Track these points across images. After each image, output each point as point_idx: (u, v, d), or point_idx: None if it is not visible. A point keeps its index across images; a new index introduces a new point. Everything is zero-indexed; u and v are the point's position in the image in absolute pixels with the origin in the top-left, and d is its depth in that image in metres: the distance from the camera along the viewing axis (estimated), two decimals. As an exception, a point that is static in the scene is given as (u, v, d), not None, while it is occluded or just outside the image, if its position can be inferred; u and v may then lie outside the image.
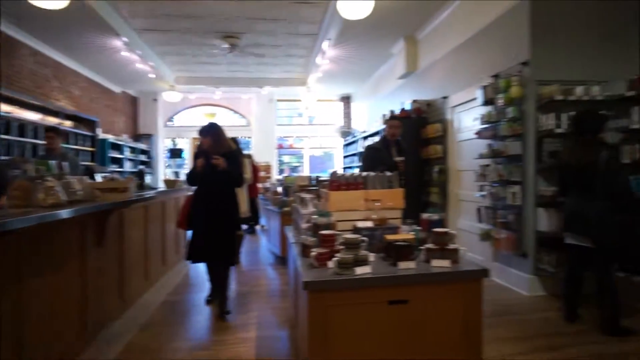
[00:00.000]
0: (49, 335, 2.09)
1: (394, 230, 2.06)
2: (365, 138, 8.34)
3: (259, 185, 8.34)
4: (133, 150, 9.74)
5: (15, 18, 5.30)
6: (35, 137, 5.74)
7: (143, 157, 10.29)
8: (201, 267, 3.57)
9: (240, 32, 6.49)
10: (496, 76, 4.01)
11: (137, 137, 10.57)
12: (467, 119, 4.84)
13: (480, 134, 4.22)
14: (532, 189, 3.69)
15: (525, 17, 3.74)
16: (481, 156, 4.17)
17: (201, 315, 3.39)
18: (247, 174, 4.73)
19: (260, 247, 6.68)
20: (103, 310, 2.70)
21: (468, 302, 1.76)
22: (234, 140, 4.19)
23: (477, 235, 4.37)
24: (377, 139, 7.31)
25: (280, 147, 11.72)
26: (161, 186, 5.38)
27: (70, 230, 2.32)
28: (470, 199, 4.72)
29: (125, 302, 3.06)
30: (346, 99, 11.51)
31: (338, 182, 2.27)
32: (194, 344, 2.82)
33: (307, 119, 11.88)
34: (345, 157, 10.44)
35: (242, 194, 4.12)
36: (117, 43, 6.39)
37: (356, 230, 2.04)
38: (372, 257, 1.85)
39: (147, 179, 5.38)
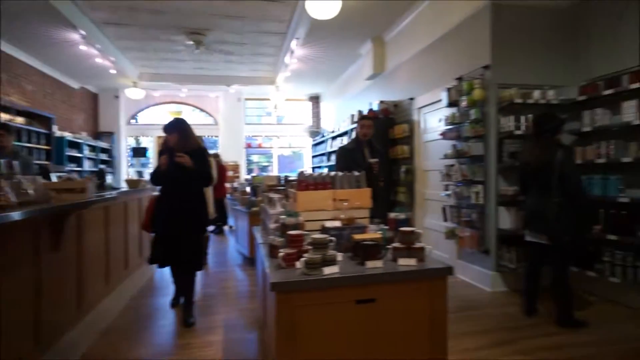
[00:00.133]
0: (-2, 347, 1.95)
1: (362, 229, 2.07)
2: (334, 138, 8.39)
3: (227, 185, 8.22)
4: (93, 148, 9.32)
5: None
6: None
7: (104, 156, 9.87)
8: (167, 270, 3.43)
9: (206, 29, 6.34)
10: (460, 79, 4.14)
11: (97, 135, 10.12)
12: (433, 120, 4.96)
13: (445, 135, 4.33)
14: (494, 189, 3.84)
15: (486, 23, 3.88)
16: (446, 156, 4.29)
17: (166, 319, 3.28)
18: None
19: (228, 248, 6.56)
20: (59, 317, 2.55)
21: (433, 299, 1.80)
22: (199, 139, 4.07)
23: (442, 233, 4.49)
24: (345, 139, 7.38)
25: (248, 146, 11.57)
26: (123, 186, 5.17)
27: (21, 234, 2.18)
28: (436, 198, 4.84)
29: (84, 308, 2.91)
30: (315, 99, 11.52)
31: (306, 182, 2.26)
32: (156, 350, 2.72)
33: (276, 118, 11.79)
34: (314, 156, 10.46)
35: (208, 194, 4.00)
36: (75, 36, 6.09)
37: (324, 230, 2.04)
38: (340, 256, 1.85)
39: (108, 179, 5.15)
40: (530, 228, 3.14)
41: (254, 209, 4.89)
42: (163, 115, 10.80)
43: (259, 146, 11.77)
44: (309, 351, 1.64)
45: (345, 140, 7.44)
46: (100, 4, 5.31)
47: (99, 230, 3.25)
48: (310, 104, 11.61)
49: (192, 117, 11.04)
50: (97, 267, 3.20)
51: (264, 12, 5.67)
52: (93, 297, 3.04)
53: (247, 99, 11.45)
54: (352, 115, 6.96)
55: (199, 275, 3.41)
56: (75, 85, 9.13)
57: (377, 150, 3.90)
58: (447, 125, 4.32)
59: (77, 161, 8.45)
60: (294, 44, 6.53)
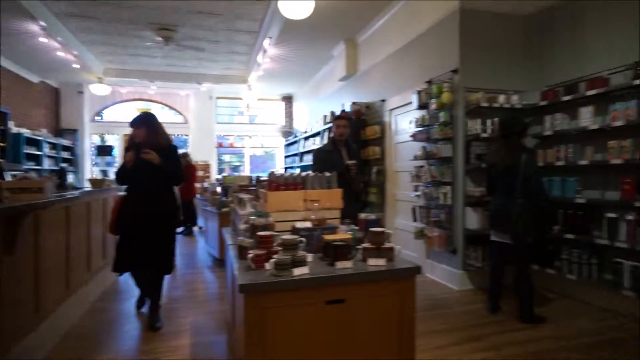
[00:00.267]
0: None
1: (333, 230, 2.07)
2: (306, 138, 8.39)
3: (197, 185, 8.05)
4: (54, 146, 8.88)
5: None
6: None
7: (66, 155, 9.43)
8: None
9: (176, 25, 6.19)
10: (430, 82, 4.23)
11: (59, 133, 9.66)
12: (404, 122, 5.05)
13: (415, 137, 4.41)
14: (461, 190, 3.94)
15: (455, 28, 3.98)
16: (416, 158, 4.37)
17: (130, 323, 3.17)
18: None
19: (197, 249, 6.43)
20: (15, 323, 2.41)
21: (402, 299, 1.82)
22: None
23: (412, 233, 4.57)
24: (318, 139, 7.40)
25: (220, 146, 11.38)
26: (87, 186, 4.97)
27: (-29, 236, 2.04)
28: (406, 199, 4.92)
29: (42, 313, 2.77)
30: (288, 99, 11.48)
31: (277, 182, 2.24)
32: (121, 355, 2.62)
33: (248, 117, 11.66)
34: (286, 157, 10.42)
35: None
36: (34, 27, 5.79)
37: (295, 230, 2.02)
38: (310, 257, 1.84)
39: (70, 178, 4.93)
40: (495, 228, 3.24)
41: (224, 209, 4.81)
42: (130, 113, 10.45)
43: (231, 146, 11.60)
44: (277, 353, 1.62)
45: (317, 141, 7.46)
46: (62, -6, 5.08)
47: (58, 231, 3.10)
48: (283, 104, 11.56)
49: (161, 115, 10.72)
50: (57, 270, 3.05)
51: (237, 9, 5.60)
52: (52, 301, 2.90)
53: (218, 98, 11.26)
54: (325, 116, 6.99)
55: (166, 277, 3.29)
56: (34, 79, 8.68)
57: (354, 150, 3.84)
58: (417, 127, 4.41)
59: (36, 159, 8.03)
60: (266, 43, 6.47)
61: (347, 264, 1.78)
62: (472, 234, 3.90)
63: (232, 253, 2.12)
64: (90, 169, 10.36)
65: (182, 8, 5.53)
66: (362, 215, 2.17)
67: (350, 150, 3.72)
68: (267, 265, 1.73)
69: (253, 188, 3.73)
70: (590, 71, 3.48)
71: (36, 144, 8.03)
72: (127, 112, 10.50)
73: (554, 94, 3.71)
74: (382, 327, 1.78)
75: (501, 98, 3.91)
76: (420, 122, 4.32)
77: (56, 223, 3.04)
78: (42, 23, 5.56)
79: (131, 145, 3.02)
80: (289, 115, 11.56)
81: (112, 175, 7.74)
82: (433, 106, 4.10)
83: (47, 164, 8.37)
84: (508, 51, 4.13)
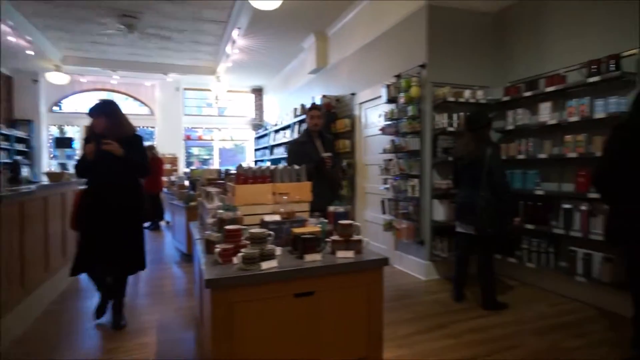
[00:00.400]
0: None
1: (302, 223, 2.07)
2: (277, 131, 8.32)
3: (164, 178, 7.83)
4: (7, 138, 8.36)
5: None
6: None
7: (20, 147, 8.90)
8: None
9: (139, 12, 5.94)
10: (398, 76, 4.28)
11: (12, 123, 9.09)
12: (373, 116, 5.10)
13: (384, 130, 4.47)
14: (429, 182, 4.03)
15: (423, 23, 4.04)
16: (385, 151, 4.43)
17: (92, 322, 3.05)
18: None
19: (164, 244, 6.27)
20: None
21: (370, 290, 1.85)
22: None
23: (381, 225, 4.65)
24: (288, 132, 7.35)
25: (188, 138, 11.09)
26: (44, 180, 4.72)
27: None
28: (375, 191, 4.99)
29: (-6, 315, 2.62)
30: (258, 91, 11.33)
31: (245, 176, 2.21)
32: (82, 354, 2.52)
33: (217, 109, 11.42)
34: (256, 150, 10.31)
35: None
36: (-18, 10, 5.40)
37: (263, 224, 2.01)
38: (279, 251, 1.84)
39: (24, 172, 4.66)
40: (461, 220, 3.34)
41: (192, 203, 4.71)
42: (92, 103, 9.98)
43: (199, 138, 11.34)
44: (246, 347, 1.61)
45: (288, 134, 7.41)
46: (14, -25, 4.76)
47: (11, 228, 2.92)
48: (253, 96, 11.40)
49: (125, 107, 10.33)
50: (10, 269, 2.88)
51: (203, -2, 5.44)
52: (4, 303, 2.74)
53: (186, 89, 10.95)
54: (295, 109, 6.95)
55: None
56: (-16, 66, 8.12)
57: (329, 141, 3.78)
58: (386, 120, 4.46)
59: (-13, 152, 7.55)
60: (235, 33, 6.34)
61: (316, 257, 1.79)
62: (439, 226, 4.00)
63: (199, 248, 2.08)
64: (48, 162, 9.84)
65: (145, -6, 5.32)
66: (331, 208, 2.18)
67: (325, 142, 3.67)
68: (235, 260, 1.71)
69: (222, 181, 3.67)
70: (550, 68, 3.63)
71: (-13, 135, 7.53)
72: (88, 103, 10.01)
73: (516, 90, 3.84)
74: (350, 318, 1.80)
75: (467, 93, 4.01)
76: (389, 116, 4.37)
77: (9, 220, 2.87)
78: (-9, 5, 5.20)
79: (91, 136, 2.82)
80: (259, 107, 11.41)
81: (72, 169, 7.39)
82: (402, 100, 4.16)
83: (-1, 157, 7.88)
84: (474, 47, 4.24)
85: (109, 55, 8.24)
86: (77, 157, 9.64)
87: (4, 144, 8.21)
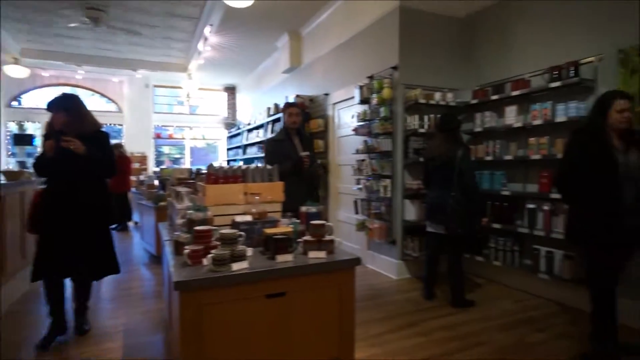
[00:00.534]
0: None
1: (274, 223, 2.05)
2: (250, 130, 8.23)
3: (133, 178, 7.59)
4: (-39, 134, 7.87)
5: None
6: None
7: (-24, 144, 8.40)
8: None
9: (106, 5, 5.73)
10: (371, 77, 4.32)
11: (-34, 119, 8.57)
12: (347, 116, 5.13)
13: (357, 131, 4.50)
14: (400, 183, 4.09)
15: (395, 26, 4.10)
16: (358, 152, 4.46)
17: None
18: None
19: (132, 245, 6.07)
20: None
21: (342, 290, 1.85)
22: None
23: (354, 225, 4.68)
24: (262, 131, 7.29)
25: (158, 136, 10.79)
26: (1, 178, 4.46)
27: None
28: (348, 192, 5.02)
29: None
30: (231, 90, 11.17)
31: (216, 175, 2.17)
32: (42, 364, 2.41)
33: (188, 108, 11.17)
34: (229, 149, 10.16)
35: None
36: None
37: (234, 224, 1.98)
38: (250, 251, 1.82)
39: (-20, 170, 4.38)
40: (432, 220, 3.40)
41: (162, 203, 4.58)
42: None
43: (170, 137, 11.06)
44: (216, 350, 1.58)
45: (261, 133, 7.35)
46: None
47: (-35, 230, 2.76)
48: (225, 94, 11.23)
49: (90, 103, 9.95)
50: (-37, 273, 2.72)
51: (174, -7, 5.31)
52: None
53: (156, 86, 10.67)
54: (269, 108, 6.90)
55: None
56: None
57: (308, 139, 3.70)
58: (359, 121, 4.49)
59: (-61, 148, 7.07)
60: (207, 30, 6.22)
61: (288, 257, 1.78)
62: (410, 225, 4.07)
63: (168, 249, 2.03)
64: (5, 160, 9.32)
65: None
66: (304, 208, 2.17)
67: (304, 140, 3.59)
68: (205, 261, 1.67)
69: (192, 181, 3.59)
70: (515, 73, 3.77)
71: (-62, 131, 7.05)
72: (50, 98, 9.57)
73: (483, 93, 3.96)
74: (322, 318, 1.80)
75: (437, 95, 4.10)
76: (362, 117, 4.41)
77: (-38, 220, 2.70)
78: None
79: (50, 132, 2.62)
80: (231, 106, 11.25)
81: (31, 167, 7.03)
82: (374, 101, 4.20)
83: (-48, 154, 7.40)
84: (444, 51, 4.34)
85: (73, 49, 7.90)
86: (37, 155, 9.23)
87: (-43, 141, 7.72)
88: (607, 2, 3.07)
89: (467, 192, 3.18)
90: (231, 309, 1.61)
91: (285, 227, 2.01)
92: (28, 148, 9.33)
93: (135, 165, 9.51)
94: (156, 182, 5.90)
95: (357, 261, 1.87)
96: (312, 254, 1.83)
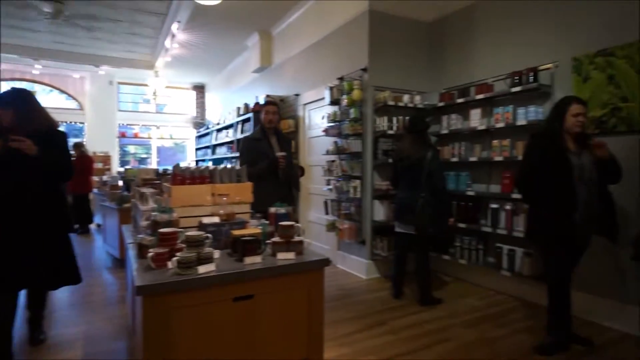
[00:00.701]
0: None
1: (242, 225, 2.02)
2: (219, 130, 8.10)
3: (95, 178, 7.29)
4: None
5: None
6: None
7: None
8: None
9: (67, -3, 5.48)
10: (341, 79, 4.35)
11: None
12: (317, 117, 5.14)
13: (327, 132, 4.52)
14: (370, 183, 4.14)
15: (365, 28, 4.15)
16: (328, 152, 4.48)
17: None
18: None
19: (94, 249, 5.83)
20: None
21: (311, 291, 1.85)
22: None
23: (324, 226, 4.69)
24: (231, 131, 7.18)
25: (122, 135, 10.42)
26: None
27: None
28: (319, 192, 5.03)
29: None
30: (199, 88, 10.95)
31: (182, 176, 2.11)
32: (-7, 376, 2.26)
33: (155, 106, 10.85)
34: (198, 149, 9.94)
35: None
36: None
37: (201, 226, 1.93)
38: (217, 254, 1.78)
39: None
40: (400, 220, 3.46)
41: (126, 205, 4.42)
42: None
43: (135, 136, 10.71)
44: (181, 356, 1.53)
45: (231, 133, 7.24)
46: None
47: None
48: (194, 93, 11.00)
49: (49, 100, 9.47)
50: None
51: (140, -13, 5.15)
52: None
53: (120, 83, 10.30)
54: (239, 108, 6.81)
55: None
56: None
57: (285, 139, 3.61)
58: (329, 122, 4.51)
59: None
60: (175, 27, 6.07)
61: (256, 259, 1.76)
62: (379, 225, 4.13)
63: (131, 252, 1.96)
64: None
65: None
66: (272, 209, 2.15)
67: (281, 139, 3.50)
68: (170, 264, 1.62)
69: (158, 182, 3.48)
70: (479, 77, 3.90)
71: None
72: None
73: (450, 96, 4.08)
74: (291, 320, 1.79)
75: (406, 98, 4.18)
76: (332, 118, 4.43)
77: None
78: None
79: None
80: (200, 105, 11.03)
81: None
82: (344, 102, 4.23)
83: None
84: (412, 54, 4.43)
85: (29, 41, 7.49)
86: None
87: None
88: (563, 12, 3.24)
89: (435, 192, 3.26)
90: (197, 313, 1.57)
91: (254, 228, 1.98)
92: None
93: (98, 165, 9.16)
94: (120, 183, 5.68)
95: (326, 262, 1.88)
96: (281, 256, 1.82)
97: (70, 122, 9.70)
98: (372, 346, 2.62)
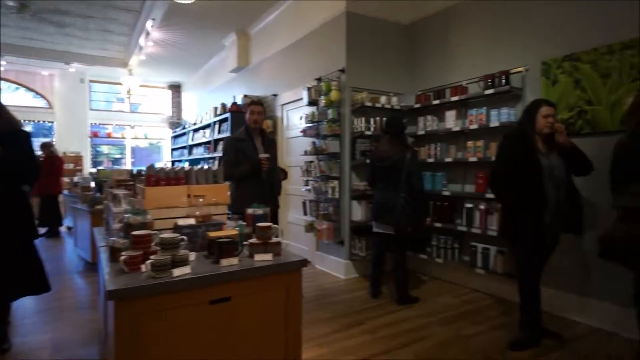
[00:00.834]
0: None
1: (219, 226, 2.00)
2: (196, 130, 7.97)
3: (66, 179, 7.03)
4: None
5: None
6: None
7: None
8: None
9: (34, -8, 5.27)
10: (319, 79, 4.36)
11: None
12: (295, 117, 5.13)
13: (305, 132, 4.51)
14: (348, 184, 4.17)
15: (342, 29, 4.17)
16: (306, 153, 4.48)
17: (-32, 347, 2.61)
18: None
19: (65, 252, 5.63)
20: None
21: (289, 292, 1.84)
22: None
23: (303, 227, 4.68)
24: (208, 131, 7.08)
25: (95, 135, 10.10)
26: None
27: None
28: (297, 193, 5.02)
29: None
30: (175, 88, 10.75)
31: (156, 177, 2.06)
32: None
33: (129, 105, 10.57)
34: (174, 149, 9.75)
35: None
36: None
37: (177, 228, 1.90)
38: (193, 256, 1.75)
39: None
40: (379, 220, 3.47)
41: (98, 207, 4.29)
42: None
43: (108, 136, 10.40)
44: (156, 361, 1.50)
45: (208, 134, 7.14)
46: None
47: None
48: (170, 92, 10.78)
49: (15, 98, 9.07)
50: None
51: (112, -17, 5.00)
52: None
53: (92, 81, 9.98)
54: (216, 108, 6.72)
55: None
56: None
57: (270, 140, 3.53)
58: (307, 123, 4.51)
59: None
60: (149, 24, 5.93)
61: (233, 261, 1.73)
62: (357, 226, 4.15)
63: (103, 256, 1.90)
64: None
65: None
66: (250, 210, 2.13)
67: (266, 141, 3.42)
68: (144, 267, 1.58)
69: (132, 183, 3.39)
70: (454, 79, 3.98)
71: None
72: (-32, 91, 8.61)
73: (426, 98, 4.14)
74: (269, 321, 1.78)
75: (383, 99, 4.23)
76: (310, 118, 4.43)
77: None
78: None
79: None
80: (176, 105, 10.83)
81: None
82: (322, 103, 4.24)
83: None
84: (389, 56, 4.48)
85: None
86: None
87: None
88: (534, 17, 3.34)
89: (414, 192, 3.30)
90: (172, 317, 1.54)
91: (231, 230, 1.96)
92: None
93: (69, 166, 8.85)
94: (92, 184, 5.51)
95: (303, 263, 1.87)
96: (258, 257, 1.81)
97: (39, 121, 9.34)
98: (350, 346, 2.64)
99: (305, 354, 2.05)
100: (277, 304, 1.80)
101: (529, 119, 2.57)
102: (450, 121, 3.88)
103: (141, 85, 9.34)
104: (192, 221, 1.98)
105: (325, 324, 2.99)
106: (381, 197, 3.44)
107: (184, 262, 1.61)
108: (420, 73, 4.48)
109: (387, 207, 3.35)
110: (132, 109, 10.67)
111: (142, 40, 6.59)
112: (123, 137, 10.56)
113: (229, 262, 1.72)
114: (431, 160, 4.03)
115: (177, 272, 1.57)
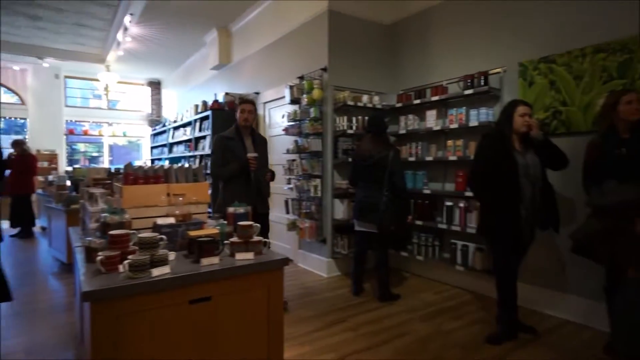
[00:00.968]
0: None
1: (199, 225, 1.97)
2: (176, 128, 7.84)
3: (40, 178, 6.82)
4: None
5: None
6: None
7: None
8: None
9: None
10: (301, 78, 4.35)
11: None
12: (277, 116, 5.10)
13: (287, 131, 4.50)
14: (330, 182, 4.17)
15: (325, 28, 4.17)
16: (288, 151, 4.46)
17: None
18: None
19: (38, 253, 5.45)
20: None
21: (270, 291, 1.83)
22: None
23: (285, 225, 4.67)
24: (189, 129, 6.97)
25: (71, 132, 9.80)
26: None
27: None
28: (280, 191, 4.99)
29: None
30: (155, 85, 10.54)
31: (134, 175, 2.02)
32: None
33: (107, 102, 10.31)
34: (153, 147, 9.57)
35: None
36: None
37: (156, 227, 1.86)
38: (172, 255, 1.72)
39: None
40: (361, 218, 3.49)
41: (73, 206, 4.17)
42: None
43: (85, 133, 10.11)
44: (134, 364, 1.47)
45: (188, 131, 7.03)
46: None
47: None
48: (149, 89, 10.56)
49: (-15, 93, 8.73)
50: None
51: (88, -24, 4.87)
52: None
53: (68, 77, 9.69)
54: (197, 106, 6.62)
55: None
56: None
57: (261, 140, 3.46)
58: (289, 121, 4.49)
59: None
60: (127, 19, 5.80)
61: (214, 260, 1.71)
62: (339, 224, 4.17)
63: (79, 256, 1.85)
64: None
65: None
66: (231, 209, 2.11)
67: (256, 141, 3.34)
68: (121, 268, 1.55)
69: (110, 182, 3.31)
70: (434, 79, 4.04)
71: None
72: None
73: (407, 97, 4.19)
74: (250, 320, 1.77)
75: (365, 98, 4.25)
76: (293, 117, 4.42)
77: None
78: None
79: None
80: (156, 102, 10.62)
81: None
82: (304, 101, 4.23)
83: None
84: (371, 55, 4.51)
85: (-38, 30, 6.88)
86: None
87: None
88: (511, 19, 3.42)
89: (396, 191, 3.33)
90: (150, 317, 1.51)
91: (211, 228, 1.94)
92: None
93: (44, 164, 8.58)
94: (68, 183, 5.35)
95: (285, 261, 1.87)
96: (240, 256, 1.79)
97: (10, 118, 9.01)
98: (333, 343, 2.65)
99: (288, 353, 2.05)
100: (258, 302, 1.79)
101: (507, 118, 2.64)
102: (431, 120, 3.93)
103: (119, 82, 9.12)
104: (171, 220, 1.95)
105: (307, 322, 2.99)
106: (364, 196, 3.46)
107: (163, 261, 1.59)
108: (402, 73, 4.52)
109: (369, 206, 3.37)
110: (110, 105, 10.42)
111: (120, 36, 6.44)
112: (100, 135, 10.30)
113: (210, 262, 1.70)
114: (412, 159, 4.08)
115: (156, 272, 1.54)
